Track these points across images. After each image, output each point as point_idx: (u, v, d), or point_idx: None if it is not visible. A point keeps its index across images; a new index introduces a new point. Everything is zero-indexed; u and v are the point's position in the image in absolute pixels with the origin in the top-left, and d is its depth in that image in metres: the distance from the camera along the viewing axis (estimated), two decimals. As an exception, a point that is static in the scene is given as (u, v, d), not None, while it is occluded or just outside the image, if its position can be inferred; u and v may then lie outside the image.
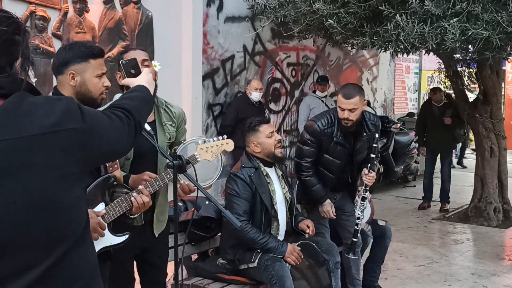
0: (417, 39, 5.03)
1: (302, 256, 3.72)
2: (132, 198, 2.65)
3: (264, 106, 7.65)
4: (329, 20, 5.06)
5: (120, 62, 2.49)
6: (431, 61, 10.48)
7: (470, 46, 5.49)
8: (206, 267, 3.81)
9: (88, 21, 5.52)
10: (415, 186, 10.26)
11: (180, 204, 3.90)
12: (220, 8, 7.00)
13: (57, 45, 5.16)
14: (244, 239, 3.67)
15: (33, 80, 1.62)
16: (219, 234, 4.01)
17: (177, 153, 3.00)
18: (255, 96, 7.00)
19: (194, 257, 4.17)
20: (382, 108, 11.04)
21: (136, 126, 1.84)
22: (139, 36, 6.04)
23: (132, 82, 2.26)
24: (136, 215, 2.74)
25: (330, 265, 3.89)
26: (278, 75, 8.17)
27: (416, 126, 9.04)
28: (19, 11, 4.91)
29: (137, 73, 2.37)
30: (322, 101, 8.20)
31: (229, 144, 3.01)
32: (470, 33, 4.88)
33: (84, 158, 1.60)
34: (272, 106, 8.10)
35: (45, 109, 1.53)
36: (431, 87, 10.38)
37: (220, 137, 3.03)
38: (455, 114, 8.16)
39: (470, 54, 6.83)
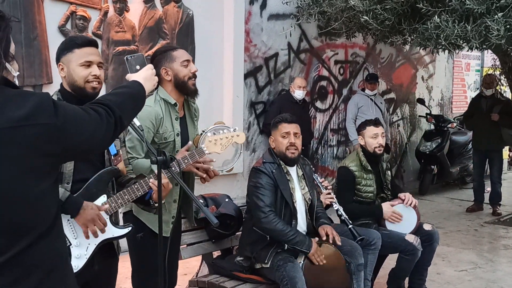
0: (458, 38, 4.81)
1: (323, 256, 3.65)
2: (150, 183, 2.57)
3: (308, 105, 7.57)
4: (364, 16, 4.93)
5: (126, 57, 2.46)
6: (494, 58, 10.00)
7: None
8: (223, 265, 3.81)
9: (128, 20, 5.64)
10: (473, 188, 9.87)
11: (201, 201, 3.91)
12: (263, 6, 6.97)
13: (97, 44, 5.30)
14: (273, 231, 3.62)
15: (15, 74, 1.67)
16: (240, 232, 4.00)
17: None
18: (298, 94, 6.94)
19: (217, 254, 4.18)
20: (439, 107, 10.67)
21: (116, 123, 1.83)
22: (180, 34, 6.11)
23: (129, 77, 2.28)
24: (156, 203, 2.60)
25: (351, 267, 3.81)
26: (324, 73, 8.04)
27: (463, 121, 8.70)
28: (60, 11, 5.09)
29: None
30: (371, 99, 8.01)
31: (240, 136, 2.91)
32: (515, 29, 4.64)
33: (55, 153, 1.63)
34: (318, 104, 7.99)
35: (16, 103, 1.56)
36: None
37: (231, 129, 2.93)
38: (505, 111, 7.69)
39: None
